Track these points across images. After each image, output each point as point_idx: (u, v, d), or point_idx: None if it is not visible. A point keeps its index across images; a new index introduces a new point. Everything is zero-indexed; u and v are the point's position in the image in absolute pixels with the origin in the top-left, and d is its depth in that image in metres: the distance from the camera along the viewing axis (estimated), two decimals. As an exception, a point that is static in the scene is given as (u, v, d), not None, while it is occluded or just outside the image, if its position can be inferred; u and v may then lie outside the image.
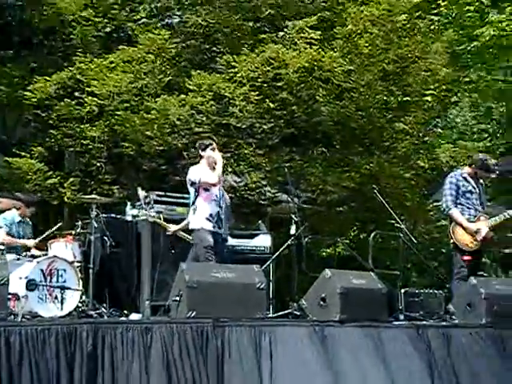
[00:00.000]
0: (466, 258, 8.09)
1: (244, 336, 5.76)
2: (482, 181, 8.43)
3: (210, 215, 7.65)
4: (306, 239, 8.80)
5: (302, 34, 10.97)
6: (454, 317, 7.58)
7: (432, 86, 12.76)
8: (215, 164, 7.79)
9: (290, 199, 9.79)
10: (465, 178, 8.26)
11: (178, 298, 6.03)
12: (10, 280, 5.60)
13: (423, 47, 12.28)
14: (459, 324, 7.42)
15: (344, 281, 6.75)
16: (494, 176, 8.57)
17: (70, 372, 4.96)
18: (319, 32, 11.01)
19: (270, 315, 7.30)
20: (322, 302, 6.71)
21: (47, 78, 10.53)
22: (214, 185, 7.74)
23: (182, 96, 10.79)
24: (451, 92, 13.75)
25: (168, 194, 9.48)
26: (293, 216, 8.41)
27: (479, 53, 13.04)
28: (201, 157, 7.94)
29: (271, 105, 10.99)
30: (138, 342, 5.31)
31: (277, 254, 9.10)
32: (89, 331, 5.17)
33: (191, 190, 7.80)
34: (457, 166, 13.67)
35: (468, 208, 8.20)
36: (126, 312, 7.46)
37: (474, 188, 8.26)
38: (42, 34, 11.23)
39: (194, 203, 7.75)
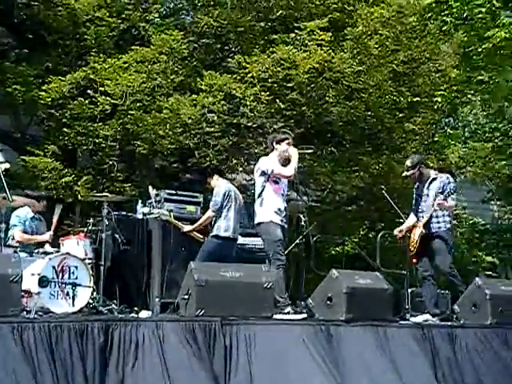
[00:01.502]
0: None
1: (251, 334, 5.86)
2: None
3: (279, 209, 7.47)
4: (315, 238, 8.89)
5: (313, 36, 11.06)
6: (459, 317, 7.66)
7: (442, 87, 12.84)
8: (289, 159, 7.57)
9: (298, 198, 9.88)
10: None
11: (186, 297, 6.14)
12: (23, 277, 5.69)
13: (433, 48, 12.36)
14: (464, 324, 7.50)
15: (350, 281, 6.86)
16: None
17: (83, 367, 5.07)
18: (330, 33, 11.09)
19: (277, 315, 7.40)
20: (328, 302, 6.82)
21: (62, 78, 10.65)
22: (289, 177, 7.55)
23: (194, 96, 10.91)
24: (461, 93, 13.79)
25: (179, 192, 9.59)
26: (301, 215, 8.51)
27: (490, 54, 13.04)
28: (273, 149, 7.74)
29: (281, 105, 11.09)
30: (148, 338, 5.41)
31: (285, 252, 9.19)
32: (100, 328, 5.29)
33: (259, 180, 7.58)
34: (465, 166, 13.81)
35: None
36: (136, 309, 7.58)
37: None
38: (56, 34, 11.34)
39: (260, 195, 7.53)
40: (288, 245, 9.14)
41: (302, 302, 7.42)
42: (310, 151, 8.52)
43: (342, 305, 6.62)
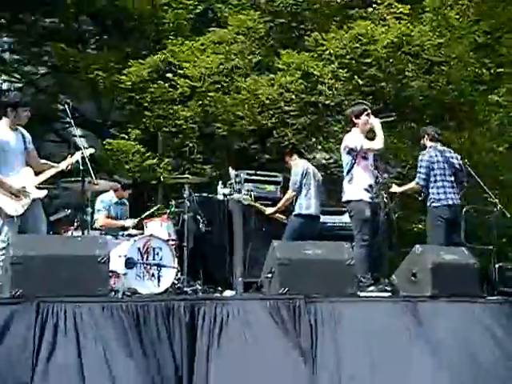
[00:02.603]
0: None
1: (336, 312, 5.83)
2: None
3: (370, 186, 7.29)
4: (397, 215, 8.77)
5: (391, 9, 10.87)
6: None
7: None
8: (373, 130, 7.36)
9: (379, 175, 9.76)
10: None
11: (270, 275, 6.15)
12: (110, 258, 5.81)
13: (517, 16, 11.95)
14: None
15: (435, 256, 6.72)
16: None
17: (170, 346, 5.16)
18: (408, 6, 10.88)
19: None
20: (413, 278, 6.71)
21: (141, 62, 10.82)
22: (380, 150, 7.32)
23: (271, 75, 10.91)
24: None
25: (258, 172, 9.62)
26: (382, 192, 8.40)
27: None
28: (353, 124, 7.46)
29: (360, 81, 10.96)
30: (233, 317, 5.45)
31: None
32: (186, 307, 5.35)
33: (346, 158, 7.34)
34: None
35: None
36: (219, 289, 7.66)
37: None
38: (135, 20, 11.51)
39: (349, 172, 7.32)
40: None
41: (386, 280, 7.33)
42: (391, 119, 8.15)
43: (427, 280, 6.50)
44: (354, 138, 7.33)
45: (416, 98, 11.45)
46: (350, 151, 7.30)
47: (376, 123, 7.39)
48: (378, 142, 7.27)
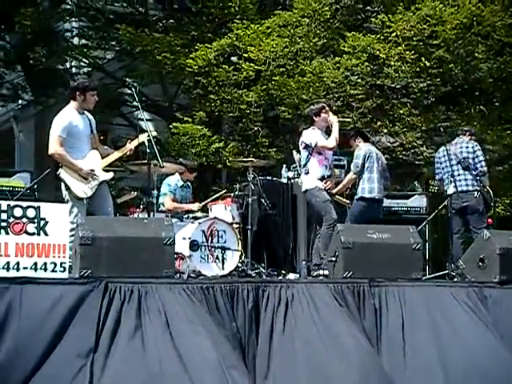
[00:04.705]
0: None
1: (401, 296, 5.78)
2: None
3: (322, 177, 7.80)
4: (464, 199, 8.60)
5: (462, -11, 10.65)
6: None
7: None
8: (331, 126, 7.87)
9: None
10: None
11: (334, 259, 6.14)
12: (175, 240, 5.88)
13: None
14: None
15: (503, 241, 6.58)
16: None
17: (234, 327, 5.21)
18: (480, -15, 10.65)
19: (426, 276, 7.28)
20: (480, 263, 6.60)
21: (208, 46, 10.86)
22: (332, 149, 7.88)
23: (337, 58, 10.82)
24: None
25: (323, 156, 9.58)
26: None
27: None
28: (312, 122, 7.99)
29: (427, 63, 10.78)
30: (298, 299, 5.45)
31: (433, 214, 9.02)
32: (250, 289, 5.38)
33: (304, 152, 7.92)
34: None
35: None
36: (283, 272, 7.67)
37: None
38: (201, 3, 11.56)
39: (305, 165, 7.90)
40: (435, 207, 8.95)
41: (452, 265, 7.23)
42: (349, 120, 8.42)
43: (495, 266, 6.39)
44: (309, 135, 7.87)
45: (485, 81, 11.20)
46: (306, 147, 7.86)
47: (334, 120, 7.89)
48: (332, 141, 7.82)
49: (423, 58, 10.75)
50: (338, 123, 7.89)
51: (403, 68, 10.69)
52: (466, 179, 8.38)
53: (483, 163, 8.45)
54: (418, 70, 10.84)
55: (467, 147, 8.53)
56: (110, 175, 7.01)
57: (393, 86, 10.97)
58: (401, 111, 11.18)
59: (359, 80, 10.78)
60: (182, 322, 4.94)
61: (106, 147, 7.29)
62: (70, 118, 6.82)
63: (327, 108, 8.00)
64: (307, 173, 7.89)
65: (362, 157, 8.25)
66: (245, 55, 10.83)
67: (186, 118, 11.06)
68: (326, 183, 7.82)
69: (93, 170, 6.80)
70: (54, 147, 6.74)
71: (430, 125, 11.25)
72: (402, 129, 11.27)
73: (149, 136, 6.96)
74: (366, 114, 11.04)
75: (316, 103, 8.27)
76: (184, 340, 4.87)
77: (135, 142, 7.09)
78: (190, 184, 9.01)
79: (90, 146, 6.96)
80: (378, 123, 11.32)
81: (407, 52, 10.62)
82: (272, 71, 10.79)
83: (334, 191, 8.46)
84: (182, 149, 10.97)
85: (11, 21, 12.19)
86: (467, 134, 8.72)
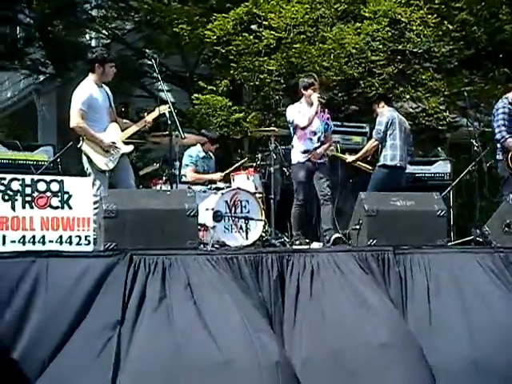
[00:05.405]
0: None
1: (426, 262, 5.75)
2: None
3: (305, 151, 7.82)
4: (488, 164, 8.54)
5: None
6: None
7: None
8: (310, 105, 7.85)
9: (470, 124, 9.51)
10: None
11: (358, 227, 6.12)
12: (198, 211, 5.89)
13: None
14: None
15: (530, 205, 6.52)
16: None
17: (260, 296, 5.23)
18: None
19: (451, 243, 7.23)
20: (506, 229, 6.54)
21: (225, 15, 10.77)
22: (304, 128, 7.83)
23: (358, 24, 10.70)
24: None
25: (344, 123, 9.52)
26: (473, 141, 8.19)
27: None
28: (301, 95, 7.97)
29: (450, 26, 10.65)
30: (323, 268, 5.44)
31: (457, 180, 8.94)
32: (274, 259, 5.39)
33: (290, 127, 8.01)
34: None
35: None
36: (307, 241, 7.67)
37: None
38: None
39: (292, 140, 8.00)
40: (460, 172, 8.87)
41: (477, 230, 7.18)
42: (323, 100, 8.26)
43: (521, 231, 6.34)
44: (289, 112, 7.99)
45: (510, 42, 11.03)
46: (289, 123, 8.02)
47: (315, 100, 7.83)
48: (304, 120, 7.82)
49: (446, 22, 10.62)
50: (317, 104, 7.82)
51: (425, 32, 10.56)
52: None
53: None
54: (440, 33, 10.71)
55: None
56: (131, 148, 7.02)
57: (415, 50, 10.85)
58: (423, 76, 11.06)
59: (380, 46, 10.67)
60: (207, 292, 4.96)
61: (125, 121, 7.29)
62: (89, 90, 6.82)
63: (316, 86, 7.95)
64: (292, 147, 7.99)
65: (384, 123, 8.18)
66: (265, 23, 10.73)
67: (209, 87, 11.00)
68: (309, 155, 7.81)
69: (114, 143, 6.81)
70: (75, 120, 6.75)
71: (453, 89, 11.13)
72: (424, 94, 11.15)
73: (169, 107, 6.94)
74: (388, 80, 10.92)
75: (308, 76, 8.24)
76: (210, 308, 4.89)
77: (154, 114, 7.08)
78: (211, 155, 9.00)
79: (109, 118, 6.97)
80: (400, 89, 11.20)
81: (429, 16, 10.48)
82: (292, 38, 10.69)
83: (355, 158, 8.43)
84: (204, 120, 10.94)
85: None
86: None
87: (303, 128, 7.84)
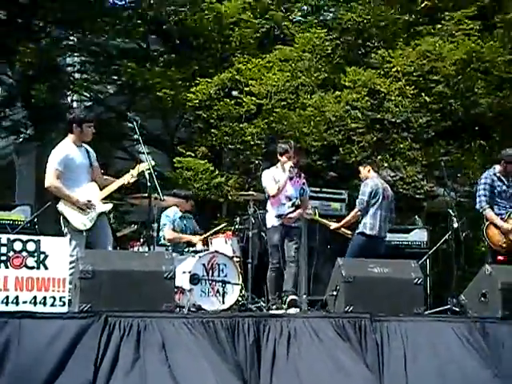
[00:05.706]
0: (500, 258, 7.72)
1: (403, 331, 5.74)
2: None
3: (279, 215, 7.86)
4: (465, 234, 8.60)
5: (460, 26, 10.74)
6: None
7: None
8: (284, 171, 7.93)
9: (447, 193, 9.62)
10: (498, 178, 8.04)
11: (335, 293, 6.10)
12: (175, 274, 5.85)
13: None
14: None
15: (505, 276, 6.56)
16: None
17: (236, 361, 5.17)
18: (479, 22, 10.73)
19: (428, 311, 7.22)
20: (482, 298, 6.56)
21: (208, 80, 10.92)
22: (273, 196, 7.92)
23: (338, 92, 10.88)
24: None
25: (323, 189, 9.58)
26: (450, 210, 8.26)
27: None
28: (278, 159, 8.08)
29: (427, 98, 10.86)
30: (299, 334, 5.42)
31: (434, 248, 8.99)
32: (250, 324, 5.35)
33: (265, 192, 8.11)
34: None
35: (503, 207, 8.00)
36: (284, 306, 7.62)
37: (508, 187, 8.03)
38: (202, 38, 11.64)
39: (266, 205, 8.10)
40: (437, 241, 8.92)
41: (454, 299, 7.19)
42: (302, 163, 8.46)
43: (497, 301, 6.35)
44: (264, 178, 8.08)
45: (485, 116, 11.25)
46: (263, 187, 8.11)
47: (286, 168, 7.90)
48: (273, 189, 7.90)
49: (423, 93, 10.83)
50: (287, 175, 7.86)
51: (403, 103, 10.75)
52: None
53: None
54: (418, 104, 10.91)
55: None
56: (109, 206, 6.97)
57: (393, 120, 11.03)
58: (401, 145, 11.21)
59: (360, 114, 10.84)
60: (182, 355, 4.91)
61: (105, 177, 7.26)
62: (66, 151, 6.81)
63: (290, 153, 7.98)
64: (267, 212, 8.06)
65: (367, 194, 8.19)
66: (246, 89, 10.89)
67: (188, 153, 11.07)
68: (283, 219, 7.83)
69: (89, 201, 6.77)
70: (50, 180, 6.72)
71: (430, 159, 11.28)
72: (402, 163, 11.29)
73: (149, 167, 6.94)
74: (367, 148, 11.07)
75: (285, 143, 8.26)
76: (185, 372, 4.84)
77: (135, 172, 7.07)
78: (190, 215, 8.98)
79: (88, 178, 6.92)
80: (379, 157, 11.34)
81: (407, 87, 10.69)
82: (273, 105, 10.85)
83: (339, 225, 8.45)
84: (186, 183, 10.97)
85: (13, 57, 12.25)
86: None
87: (273, 196, 7.92)
